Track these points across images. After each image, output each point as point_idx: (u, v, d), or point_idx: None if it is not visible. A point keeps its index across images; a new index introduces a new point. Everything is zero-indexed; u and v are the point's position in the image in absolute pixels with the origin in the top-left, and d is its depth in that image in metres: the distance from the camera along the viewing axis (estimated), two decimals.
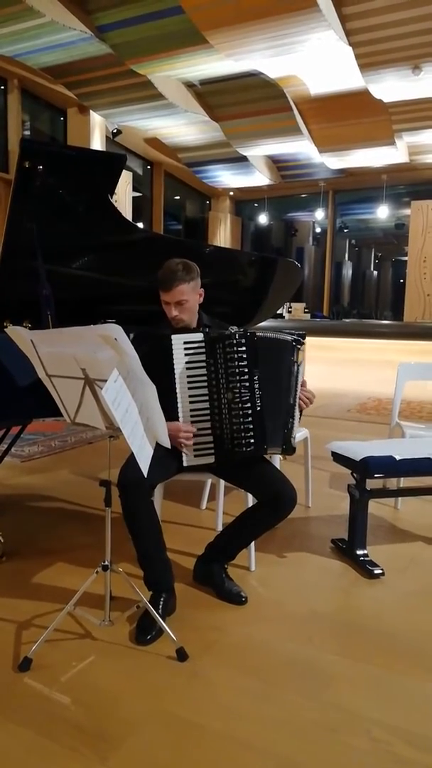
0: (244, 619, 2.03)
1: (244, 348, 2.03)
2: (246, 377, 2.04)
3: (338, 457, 2.58)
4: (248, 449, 2.04)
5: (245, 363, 2.03)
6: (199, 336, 2.08)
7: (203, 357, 2.07)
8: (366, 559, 2.44)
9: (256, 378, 2.04)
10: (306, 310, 14.22)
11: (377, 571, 2.36)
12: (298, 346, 2.13)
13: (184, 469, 2.12)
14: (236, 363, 2.03)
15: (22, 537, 2.66)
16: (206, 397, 2.07)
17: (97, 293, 2.87)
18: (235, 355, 2.03)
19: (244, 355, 2.03)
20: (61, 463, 3.87)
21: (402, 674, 1.75)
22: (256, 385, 2.04)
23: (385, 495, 3.13)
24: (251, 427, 2.03)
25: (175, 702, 1.60)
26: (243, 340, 2.03)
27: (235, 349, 2.03)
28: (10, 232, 2.42)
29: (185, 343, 2.07)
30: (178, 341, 2.07)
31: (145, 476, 1.73)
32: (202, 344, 2.07)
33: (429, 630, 1.99)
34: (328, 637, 1.93)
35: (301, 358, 2.17)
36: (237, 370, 2.03)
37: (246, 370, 2.03)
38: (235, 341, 2.03)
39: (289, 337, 2.13)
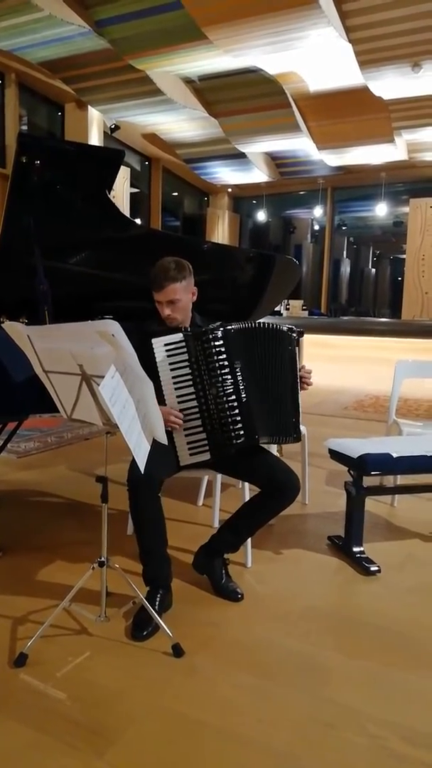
0: (241, 615, 2.03)
1: (221, 342, 2.05)
2: (227, 370, 2.05)
3: (335, 455, 2.58)
4: (239, 441, 2.05)
5: (224, 356, 2.05)
6: (179, 336, 2.08)
7: (185, 356, 2.07)
8: (362, 556, 2.45)
9: (238, 369, 2.06)
10: (304, 308, 14.21)
11: (374, 568, 2.36)
12: (293, 335, 2.17)
13: (184, 466, 2.12)
14: (215, 357, 2.05)
15: (18, 533, 2.66)
16: (193, 396, 2.08)
17: (95, 289, 2.86)
18: (213, 350, 2.05)
19: (222, 349, 2.05)
20: (58, 459, 3.87)
21: (398, 670, 1.76)
22: (239, 377, 2.06)
23: (381, 492, 3.13)
24: (238, 418, 2.04)
25: (171, 697, 1.60)
26: (219, 334, 2.05)
27: (212, 344, 2.05)
28: (7, 227, 2.41)
29: (165, 345, 2.08)
30: (158, 344, 2.08)
31: (143, 472, 1.73)
32: (183, 344, 2.07)
33: (425, 626, 2.00)
34: (325, 634, 1.93)
35: (297, 345, 2.19)
36: (217, 364, 2.05)
37: (226, 363, 2.05)
38: (211, 336, 2.05)
39: (284, 327, 2.16)
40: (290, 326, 2.19)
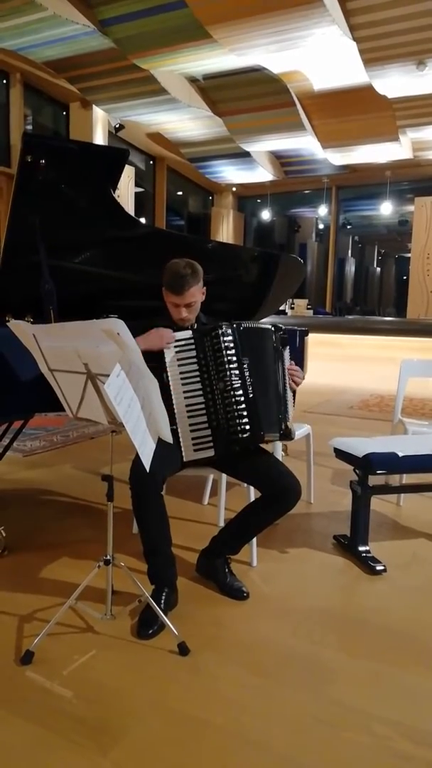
0: (246, 614, 2.03)
1: (230, 338, 2.08)
2: (235, 365, 2.07)
3: (340, 454, 2.58)
4: (245, 435, 2.05)
5: (233, 352, 2.08)
6: (188, 333, 2.12)
7: (193, 353, 2.10)
8: (368, 555, 2.44)
9: (245, 366, 2.08)
10: (309, 307, 14.18)
11: (379, 568, 2.36)
12: (280, 333, 2.21)
13: (187, 464, 2.12)
14: (224, 353, 2.07)
15: (25, 531, 2.67)
16: (200, 392, 2.10)
17: (100, 288, 2.87)
18: (223, 345, 2.08)
19: (231, 344, 2.08)
20: (63, 458, 3.87)
21: (403, 670, 1.75)
22: (246, 373, 2.08)
23: (387, 491, 3.12)
24: (245, 413, 2.05)
25: (176, 696, 1.60)
26: (229, 330, 2.09)
27: (221, 339, 2.08)
28: (12, 226, 2.41)
29: (175, 341, 2.11)
30: None
31: (148, 470, 1.73)
32: (191, 340, 2.11)
33: (430, 626, 1.99)
34: (330, 633, 1.93)
35: (285, 344, 2.24)
36: (225, 359, 2.07)
37: (234, 359, 2.08)
38: (221, 332, 2.08)
39: (269, 325, 2.20)
40: (274, 324, 2.23)
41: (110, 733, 1.46)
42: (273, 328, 2.20)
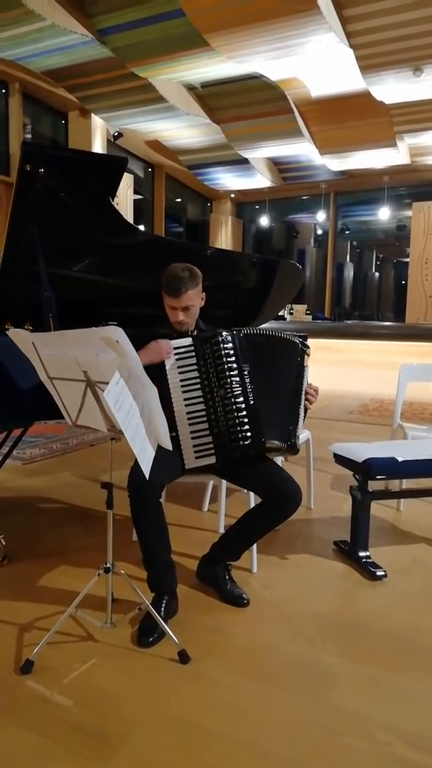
0: (247, 621, 2.03)
1: (230, 345, 2.09)
2: (235, 372, 2.08)
3: (340, 459, 2.58)
4: (246, 443, 2.05)
5: (233, 359, 2.08)
6: (188, 340, 2.12)
7: (193, 360, 2.10)
8: (368, 560, 2.44)
9: (246, 373, 2.08)
10: (307, 312, 14.20)
11: (379, 573, 2.36)
12: (304, 348, 2.22)
13: (187, 470, 2.12)
14: (224, 360, 2.08)
15: (24, 539, 2.67)
16: (201, 399, 2.10)
17: (99, 296, 2.87)
18: (223, 353, 2.08)
19: (231, 352, 2.08)
20: (63, 466, 3.87)
21: (404, 676, 1.75)
22: (247, 380, 2.08)
23: (387, 497, 3.13)
24: (246, 420, 2.05)
25: (177, 704, 1.60)
26: (229, 338, 2.09)
27: (221, 347, 2.08)
28: (11, 235, 2.42)
29: (175, 348, 2.11)
30: None
31: (147, 478, 1.73)
32: (191, 347, 2.11)
33: (431, 631, 1.99)
34: (331, 639, 1.92)
35: (307, 361, 2.22)
36: (226, 366, 2.07)
37: (234, 366, 2.08)
38: (221, 339, 2.09)
39: (296, 339, 2.21)
40: (302, 341, 2.22)
41: (111, 741, 1.45)
42: (299, 343, 2.20)
